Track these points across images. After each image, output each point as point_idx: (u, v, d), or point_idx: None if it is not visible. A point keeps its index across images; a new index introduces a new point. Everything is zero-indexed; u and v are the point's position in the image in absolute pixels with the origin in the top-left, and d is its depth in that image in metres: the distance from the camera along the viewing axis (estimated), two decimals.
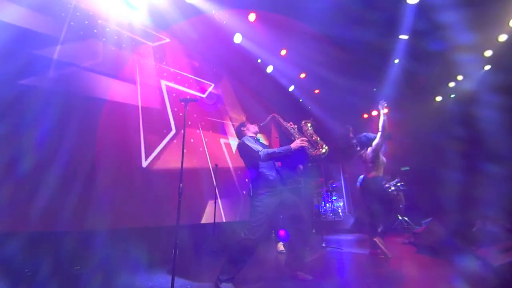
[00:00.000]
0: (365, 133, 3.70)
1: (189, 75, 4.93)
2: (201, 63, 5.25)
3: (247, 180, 5.20)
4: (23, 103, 2.77)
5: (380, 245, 3.18)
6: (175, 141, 4.25)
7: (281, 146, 2.40)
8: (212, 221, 4.06)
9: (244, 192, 5.21)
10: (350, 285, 2.38)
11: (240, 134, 2.71)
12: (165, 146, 4.12)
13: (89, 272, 2.65)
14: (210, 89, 5.28)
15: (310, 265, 2.92)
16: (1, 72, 2.61)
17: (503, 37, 4.98)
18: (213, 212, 4.12)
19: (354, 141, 3.78)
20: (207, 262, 3.33)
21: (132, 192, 3.55)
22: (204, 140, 4.85)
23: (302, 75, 6.41)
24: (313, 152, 2.37)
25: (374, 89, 6.71)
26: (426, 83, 6.37)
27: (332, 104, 6.87)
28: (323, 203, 7.08)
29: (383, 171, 3.56)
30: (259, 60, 5.69)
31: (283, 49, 5.66)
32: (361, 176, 3.65)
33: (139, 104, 3.94)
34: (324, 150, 2.37)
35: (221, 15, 4.67)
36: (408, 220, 5.52)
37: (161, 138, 4.11)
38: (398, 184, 5.70)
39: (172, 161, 4.10)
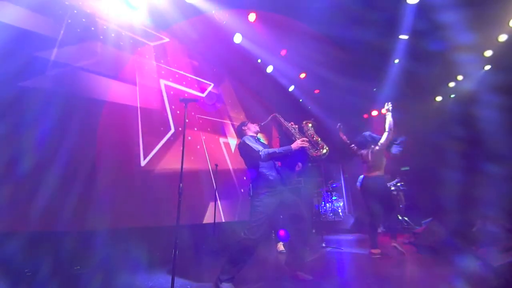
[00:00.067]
0: (369, 133, 3.69)
1: (189, 75, 4.93)
2: (201, 63, 5.25)
3: (244, 178, 5.20)
4: (23, 103, 2.77)
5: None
6: (172, 138, 4.25)
7: (281, 146, 2.39)
8: (212, 221, 4.06)
9: (242, 190, 5.21)
10: (350, 285, 2.38)
11: (240, 133, 2.70)
12: (165, 146, 4.12)
13: (89, 272, 2.65)
14: (209, 89, 5.28)
15: (310, 265, 2.92)
16: (1, 72, 2.61)
17: (503, 37, 4.98)
18: (213, 212, 4.12)
19: (360, 138, 3.75)
20: (207, 262, 3.33)
21: (132, 192, 3.55)
22: (203, 140, 4.85)
23: (302, 75, 6.42)
24: (314, 153, 2.37)
25: (374, 89, 6.71)
26: (426, 83, 6.36)
27: (332, 104, 6.87)
28: (323, 203, 7.08)
29: (384, 171, 3.57)
30: (259, 60, 5.69)
31: (283, 49, 5.66)
32: (361, 176, 3.65)
33: (138, 103, 3.94)
34: (324, 151, 2.37)
35: (221, 15, 4.67)
36: (408, 220, 5.52)
37: (160, 137, 4.11)
38: (398, 184, 5.70)
39: (171, 160, 4.10)
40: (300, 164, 2.74)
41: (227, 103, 5.67)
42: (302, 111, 7.00)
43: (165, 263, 2.98)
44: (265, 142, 4.93)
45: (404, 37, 5.25)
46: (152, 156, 3.91)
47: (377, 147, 3.53)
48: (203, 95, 5.14)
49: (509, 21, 4.73)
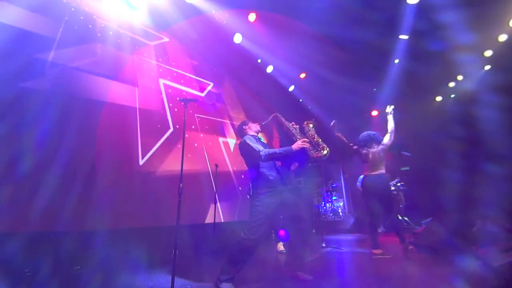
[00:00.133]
0: (372, 133, 3.68)
1: (189, 74, 4.93)
2: (201, 63, 5.25)
3: (243, 176, 5.20)
4: (23, 103, 2.77)
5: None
6: (171, 137, 4.25)
7: (281, 146, 2.39)
8: (212, 221, 4.06)
9: (240, 188, 5.21)
10: (350, 285, 2.38)
11: (241, 132, 2.69)
12: (164, 145, 4.12)
13: (89, 272, 2.65)
14: (209, 88, 5.28)
15: (310, 265, 2.92)
16: (1, 72, 2.61)
17: (503, 37, 4.99)
18: (213, 212, 4.11)
19: (361, 138, 3.73)
20: (207, 262, 3.33)
21: (132, 192, 3.55)
22: (203, 139, 4.85)
23: (302, 75, 6.42)
24: (314, 154, 2.36)
25: (374, 89, 6.71)
26: (426, 83, 6.36)
27: (332, 104, 6.86)
28: (323, 203, 7.08)
29: (385, 169, 3.57)
30: (259, 60, 5.69)
31: (281, 49, 5.66)
32: (361, 176, 3.64)
33: (137, 103, 3.94)
34: (325, 152, 2.36)
35: (221, 15, 4.67)
36: (408, 220, 5.52)
37: (159, 136, 4.11)
38: (398, 184, 5.71)
39: (171, 160, 4.10)
40: (296, 163, 2.72)
41: (227, 103, 5.67)
42: (302, 111, 7.00)
43: (165, 263, 2.98)
44: (266, 142, 4.93)
45: (404, 37, 5.25)
46: (151, 155, 3.91)
47: (380, 147, 3.53)
48: (203, 94, 5.14)
49: (509, 21, 4.73)
